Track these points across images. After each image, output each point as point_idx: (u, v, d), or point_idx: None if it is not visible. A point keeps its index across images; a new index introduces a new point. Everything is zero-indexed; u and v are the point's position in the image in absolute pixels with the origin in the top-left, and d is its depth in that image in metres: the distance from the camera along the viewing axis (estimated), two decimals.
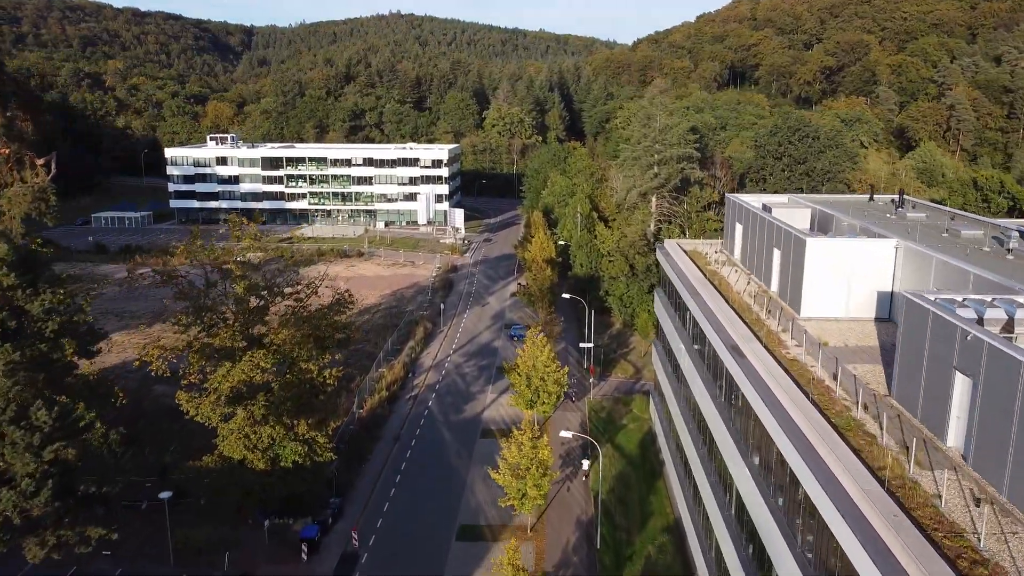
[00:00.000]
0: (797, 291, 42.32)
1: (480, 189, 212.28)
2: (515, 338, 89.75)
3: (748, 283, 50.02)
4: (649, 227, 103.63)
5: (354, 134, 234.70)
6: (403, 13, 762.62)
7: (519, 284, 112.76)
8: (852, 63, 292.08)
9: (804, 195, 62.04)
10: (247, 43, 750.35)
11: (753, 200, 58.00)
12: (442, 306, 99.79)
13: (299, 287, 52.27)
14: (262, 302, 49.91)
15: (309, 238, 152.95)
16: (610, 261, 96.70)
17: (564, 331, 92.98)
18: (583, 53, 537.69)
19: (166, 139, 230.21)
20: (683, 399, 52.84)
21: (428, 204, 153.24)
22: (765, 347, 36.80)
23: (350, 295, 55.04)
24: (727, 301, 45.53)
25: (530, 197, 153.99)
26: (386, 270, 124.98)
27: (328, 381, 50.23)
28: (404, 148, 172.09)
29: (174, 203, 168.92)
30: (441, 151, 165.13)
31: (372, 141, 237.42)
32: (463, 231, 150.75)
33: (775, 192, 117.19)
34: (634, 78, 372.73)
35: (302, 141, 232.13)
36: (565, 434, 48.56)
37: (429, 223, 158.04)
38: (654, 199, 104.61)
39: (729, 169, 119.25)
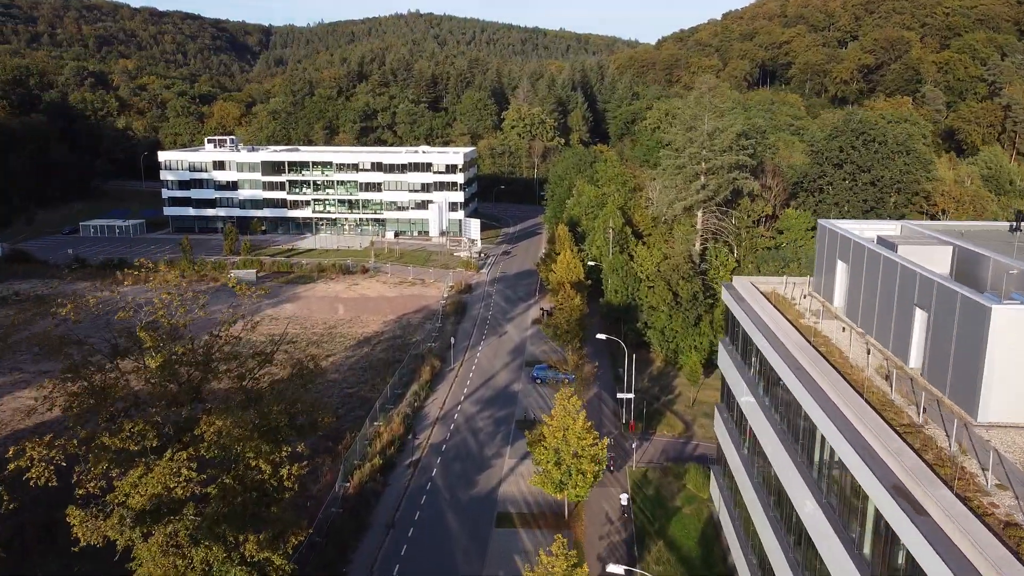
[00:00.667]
0: (971, 382, 28.15)
1: (498, 195, 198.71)
2: (538, 380, 75.96)
3: (868, 351, 35.82)
4: (694, 245, 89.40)
5: (365, 136, 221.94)
6: (422, 12, 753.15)
7: (542, 310, 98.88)
8: (892, 61, 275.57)
9: (923, 223, 47.78)
10: (265, 43, 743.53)
11: (855, 227, 43.88)
12: (453, 339, 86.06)
13: (245, 357, 38.45)
14: (190, 380, 36.30)
15: (311, 250, 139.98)
16: (649, 287, 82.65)
17: (596, 370, 79.08)
18: (604, 52, 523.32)
19: (168, 141, 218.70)
20: (765, 490, 38.96)
21: (441, 214, 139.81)
22: (954, 492, 22.70)
23: (316, 364, 41.20)
24: (852, 385, 31.40)
25: (553, 206, 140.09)
26: (392, 289, 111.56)
27: (286, 483, 36.47)
28: (416, 152, 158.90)
29: (168, 211, 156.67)
30: (456, 155, 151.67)
31: (384, 143, 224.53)
32: (479, 243, 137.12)
33: (836, 204, 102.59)
34: (659, 77, 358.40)
35: (311, 143, 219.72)
36: (615, 569, 34.53)
37: (442, 234, 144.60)
38: (699, 213, 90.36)
39: (781, 178, 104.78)
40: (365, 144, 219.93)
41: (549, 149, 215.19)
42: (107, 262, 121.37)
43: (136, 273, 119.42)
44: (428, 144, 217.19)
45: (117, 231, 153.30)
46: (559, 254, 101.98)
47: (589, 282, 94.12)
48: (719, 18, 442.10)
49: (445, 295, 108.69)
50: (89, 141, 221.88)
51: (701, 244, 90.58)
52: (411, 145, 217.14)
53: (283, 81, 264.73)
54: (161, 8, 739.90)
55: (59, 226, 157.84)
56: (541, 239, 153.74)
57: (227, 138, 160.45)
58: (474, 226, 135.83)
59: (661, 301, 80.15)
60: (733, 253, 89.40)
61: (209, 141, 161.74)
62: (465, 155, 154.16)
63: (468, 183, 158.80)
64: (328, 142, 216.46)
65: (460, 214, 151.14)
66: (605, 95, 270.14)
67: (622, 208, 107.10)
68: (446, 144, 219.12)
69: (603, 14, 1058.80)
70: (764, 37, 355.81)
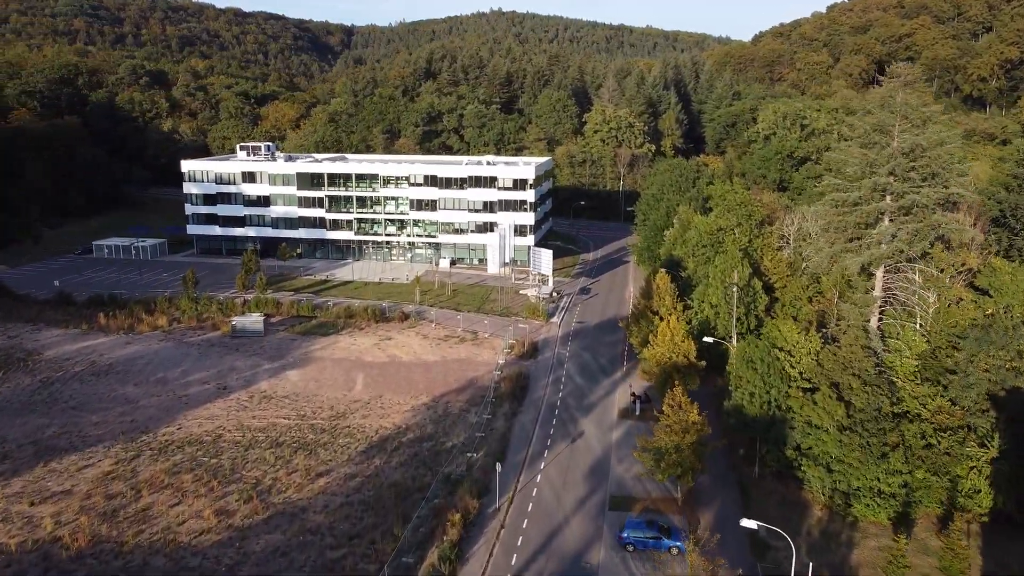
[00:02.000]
0: None
1: (577, 211, 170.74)
2: (629, 546, 47.99)
3: None
4: (870, 321, 59.54)
5: (428, 140, 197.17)
6: (504, 11, 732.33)
7: (633, 396, 70.53)
8: None
9: None
10: (346, 43, 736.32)
11: None
12: (499, 463, 58.80)
13: None
14: None
15: (348, 283, 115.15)
16: (804, 392, 53.51)
17: (719, 512, 50.59)
18: (695, 50, 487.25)
19: (215, 145, 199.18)
20: None
21: (505, 242, 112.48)
22: None
23: None
24: None
25: (645, 234, 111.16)
26: (433, 349, 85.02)
27: None
28: (479, 163, 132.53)
29: (192, 229, 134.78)
30: (527, 168, 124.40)
31: (449, 149, 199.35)
32: (551, 281, 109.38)
33: None
34: (759, 75, 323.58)
35: (369, 149, 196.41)
36: None
37: (506, 265, 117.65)
38: (879, 272, 60.44)
39: (981, 215, 73.47)
40: (428, 149, 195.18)
41: (637, 157, 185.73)
42: (94, 299, 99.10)
43: (123, 318, 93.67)
44: (499, 151, 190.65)
45: (134, 252, 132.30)
46: (657, 314, 73.76)
47: (703, 364, 65.53)
48: (823, 11, 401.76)
49: (501, 360, 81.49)
50: (134, 145, 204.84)
51: (879, 318, 60.63)
52: (479, 152, 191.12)
53: (345, 79, 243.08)
54: (246, 9, 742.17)
55: (80, 242, 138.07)
56: (628, 271, 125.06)
57: (262, 144, 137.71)
58: (545, 258, 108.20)
59: (825, 417, 50.94)
60: (924, 333, 59.12)
61: (242, 148, 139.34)
62: (538, 167, 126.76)
63: (541, 201, 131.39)
64: (388, 148, 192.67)
65: (530, 239, 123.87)
66: (701, 95, 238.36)
67: (745, 249, 77.76)
68: (518, 151, 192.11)
69: (693, 10, 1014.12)
70: (881, 30, 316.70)
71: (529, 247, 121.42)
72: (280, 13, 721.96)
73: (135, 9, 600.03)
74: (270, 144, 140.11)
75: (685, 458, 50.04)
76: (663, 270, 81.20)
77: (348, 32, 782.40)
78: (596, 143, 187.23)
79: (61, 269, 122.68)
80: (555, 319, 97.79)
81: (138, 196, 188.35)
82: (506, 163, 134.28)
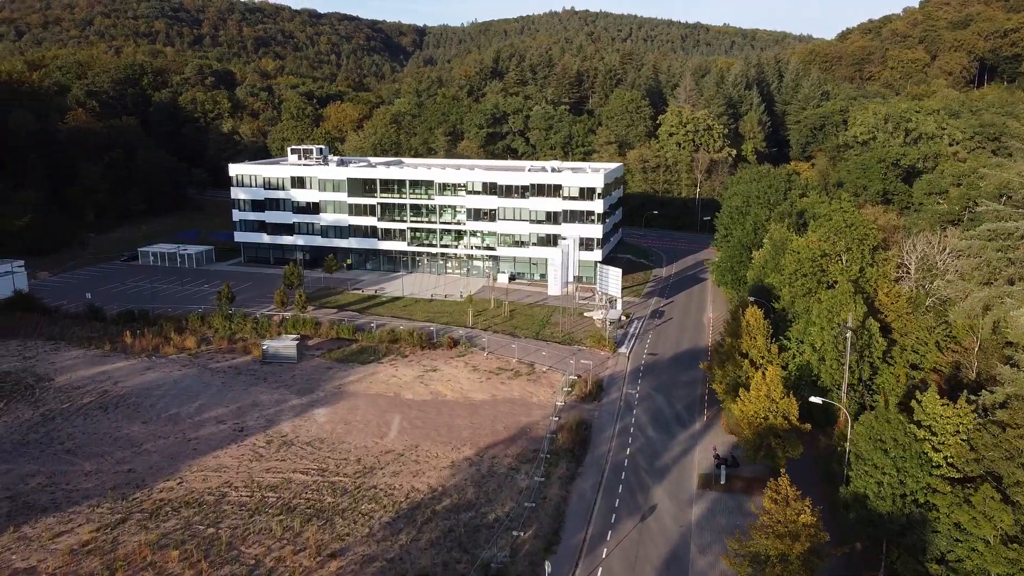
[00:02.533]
0: None
1: (649, 220, 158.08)
2: None
3: None
4: None
5: (492, 143, 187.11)
6: (577, 10, 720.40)
7: (716, 459, 58.39)
8: None
9: None
10: (418, 43, 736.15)
11: None
12: (549, 559, 47.69)
13: None
14: None
15: (397, 299, 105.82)
16: (953, 485, 40.70)
17: None
18: (774, 49, 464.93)
19: (275, 146, 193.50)
20: None
21: (569, 259, 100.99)
22: None
23: None
24: None
25: (728, 253, 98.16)
26: (482, 385, 74.42)
27: None
28: (543, 169, 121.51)
29: (239, 236, 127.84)
30: (595, 175, 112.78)
31: (514, 152, 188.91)
32: (620, 304, 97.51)
33: None
34: (848, 74, 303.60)
35: (431, 151, 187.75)
36: None
37: (570, 283, 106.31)
38: None
39: None
40: (492, 152, 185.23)
41: (716, 162, 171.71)
42: (125, 314, 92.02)
43: (151, 336, 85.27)
44: (566, 155, 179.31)
45: (179, 259, 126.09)
46: (746, 357, 61.60)
47: (808, 427, 53.16)
48: (915, 5, 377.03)
49: (560, 403, 70.34)
50: (195, 146, 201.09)
51: None
52: (545, 156, 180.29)
53: (410, 79, 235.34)
54: (322, 10, 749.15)
55: (134, 246, 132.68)
56: (706, 291, 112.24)
57: (313, 148, 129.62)
58: (614, 278, 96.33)
59: (984, 523, 38.16)
60: None
61: (292, 151, 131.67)
62: (607, 174, 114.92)
63: (610, 211, 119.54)
64: (450, 150, 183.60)
65: (596, 254, 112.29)
66: (786, 95, 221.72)
67: (855, 280, 64.70)
68: (587, 155, 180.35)
69: (772, 8, 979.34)
70: (983, 24, 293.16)
71: (596, 263, 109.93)
72: (354, 14, 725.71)
73: (214, 11, 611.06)
74: (322, 147, 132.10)
75: (793, 572, 38.03)
76: (751, 300, 68.70)
77: (420, 32, 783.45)
78: (671, 147, 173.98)
79: (103, 277, 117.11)
80: (623, 349, 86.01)
81: (198, 199, 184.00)
82: (572, 170, 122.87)
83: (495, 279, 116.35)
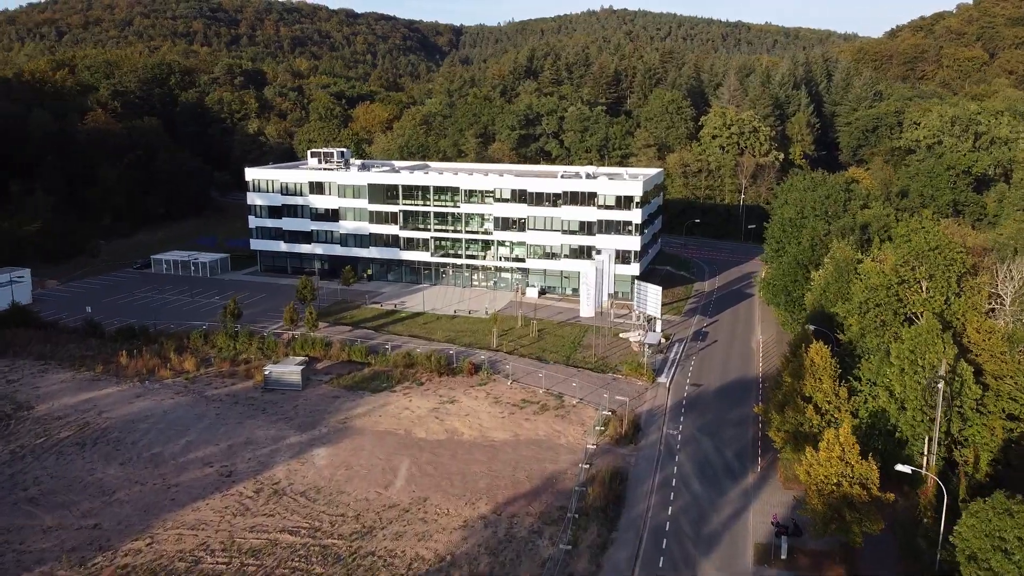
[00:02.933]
0: None
1: (690, 228, 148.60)
2: None
3: None
4: None
5: (525, 145, 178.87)
6: (615, 8, 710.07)
7: (776, 527, 49.34)
8: None
9: None
10: (455, 43, 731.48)
11: None
12: None
13: None
14: None
15: (419, 314, 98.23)
16: None
17: None
18: (820, 48, 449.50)
19: (301, 148, 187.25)
20: None
21: (604, 276, 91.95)
22: None
23: None
24: None
25: (781, 268, 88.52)
26: (504, 422, 66.18)
27: None
28: (577, 175, 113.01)
29: (255, 244, 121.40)
30: (633, 183, 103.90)
31: (548, 155, 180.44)
32: (659, 327, 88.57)
33: None
34: (900, 73, 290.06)
35: (461, 153, 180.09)
36: None
37: (605, 301, 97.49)
38: None
39: None
40: (524, 155, 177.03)
41: (762, 167, 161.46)
42: (124, 330, 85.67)
43: (148, 357, 77.61)
44: (602, 158, 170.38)
45: (192, 268, 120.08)
46: (810, 402, 52.81)
47: (891, 497, 44.23)
48: (970, 1, 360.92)
49: (592, 445, 61.84)
50: (221, 148, 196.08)
51: None
52: (580, 159, 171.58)
53: (442, 79, 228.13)
54: (359, 10, 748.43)
55: (152, 252, 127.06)
56: (753, 310, 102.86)
57: (334, 151, 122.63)
58: (652, 297, 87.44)
59: None
60: None
61: (312, 154, 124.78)
62: (646, 182, 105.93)
63: (649, 220, 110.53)
64: (480, 153, 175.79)
65: (634, 268, 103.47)
66: (836, 95, 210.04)
67: (941, 313, 55.31)
68: (624, 158, 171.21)
69: (815, 5, 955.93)
70: None
71: (633, 278, 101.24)
72: (391, 14, 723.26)
73: (251, 11, 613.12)
74: (344, 151, 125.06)
75: None
76: (812, 331, 59.52)
77: (456, 32, 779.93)
78: (714, 150, 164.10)
79: (113, 287, 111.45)
80: (663, 378, 77.22)
81: (220, 202, 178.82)
82: (608, 176, 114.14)
83: (523, 293, 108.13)
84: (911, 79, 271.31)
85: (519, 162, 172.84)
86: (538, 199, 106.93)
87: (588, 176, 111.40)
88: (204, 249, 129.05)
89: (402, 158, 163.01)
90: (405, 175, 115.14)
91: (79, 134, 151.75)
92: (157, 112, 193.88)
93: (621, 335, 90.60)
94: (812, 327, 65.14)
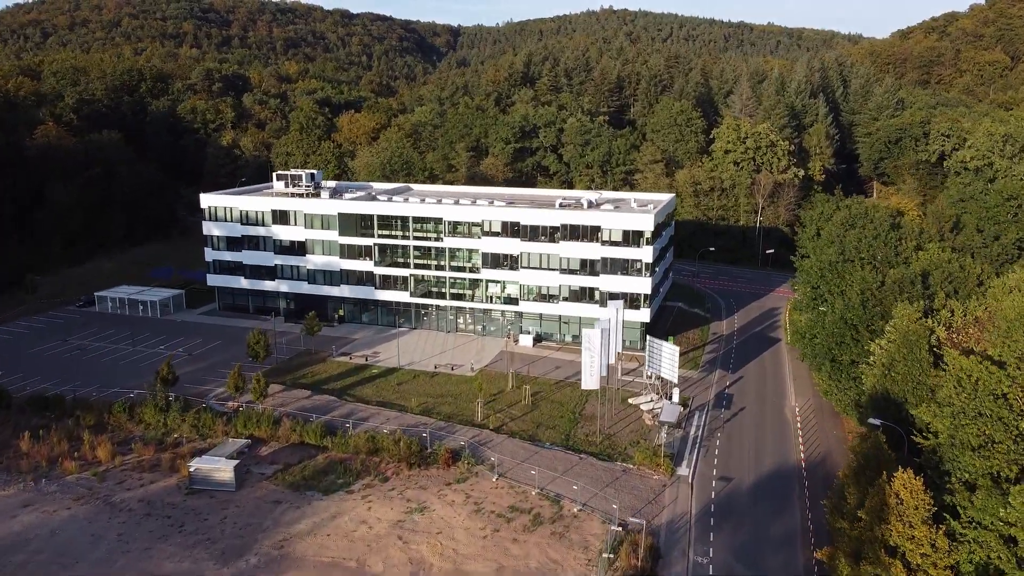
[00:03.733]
0: None
1: (703, 253, 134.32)
2: None
3: None
4: None
5: (520, 160, 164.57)
6: (615, 9, 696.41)
7: None
8: None
9: None
10: (452, 44, 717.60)
11: None
12: None
13: None
14: None
15: (394, 370, 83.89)
16: None
17: None
18: (821, 49, 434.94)
19: (279, 161, 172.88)
20: None
21: (611, 339, 76.54)
22: None
23: None
24: None
25: (819, 320, 74.08)
26: (486, 543, 51.75)
27: None
28: (578, 202, 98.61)
29: (212, 279, 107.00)
30: (643, 216, 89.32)
31: (546, 171, 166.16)
32: (676, 396, 74.15)
33: None
34: (914, 77, 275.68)
35: (451, 168, 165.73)
36: None
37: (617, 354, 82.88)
38: None
39: None
40: (520, 171, 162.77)
41: (781, 185, 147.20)
42: (36, 399, 71.32)
43: (56, 439, 62.49)
44: (605, 174, 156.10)
45: (140, 307, 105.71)
46: (896, 553, 38.39)
47: None
48: (982, 2, 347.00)
49: None
50: (195, 161, 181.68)
51: None
52: (580, 175, 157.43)
53: (433, 85, 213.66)
54: (354, 10, 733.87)
55: (94, 288, 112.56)
56: (782, 360, 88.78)
57: (303, 173, 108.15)
58: (668, 358, 73.00)
59: None
60: None
61: (279, 177, 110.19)
62: (657, 213, 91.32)
63: (661, 255, 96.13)
64: (472, 169, 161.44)
65: (643, 314, 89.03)
66: (854, 103, 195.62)
67: None
68: (629, 175, 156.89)
69: (818, 4, 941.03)
70: None
71: (643, 325, 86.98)
72: (387, 14, 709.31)
73: (244, 11, 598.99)
74: (314, 172, 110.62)
75: None
76: (906, 473, 45.04)
77: (454, 33, 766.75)
78: (728, 166, 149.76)
79: (47, 331, 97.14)
80: (684, 469, 62.82)
81: (189, 221, 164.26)
82: (614, 204, 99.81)
83: (516, 341, 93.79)
84: (930, 84, 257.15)
85: (514, 178, 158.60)
86: (533, 233, 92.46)
87: (590, 204, 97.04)
88: (157, 283, 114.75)
89: (385, 175, 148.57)
90: (380, 204, 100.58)
91: (28, 150, 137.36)
92: (127, 122, 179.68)
93: (630, 401, 76.33)
94: (879, 423, 50.89)
